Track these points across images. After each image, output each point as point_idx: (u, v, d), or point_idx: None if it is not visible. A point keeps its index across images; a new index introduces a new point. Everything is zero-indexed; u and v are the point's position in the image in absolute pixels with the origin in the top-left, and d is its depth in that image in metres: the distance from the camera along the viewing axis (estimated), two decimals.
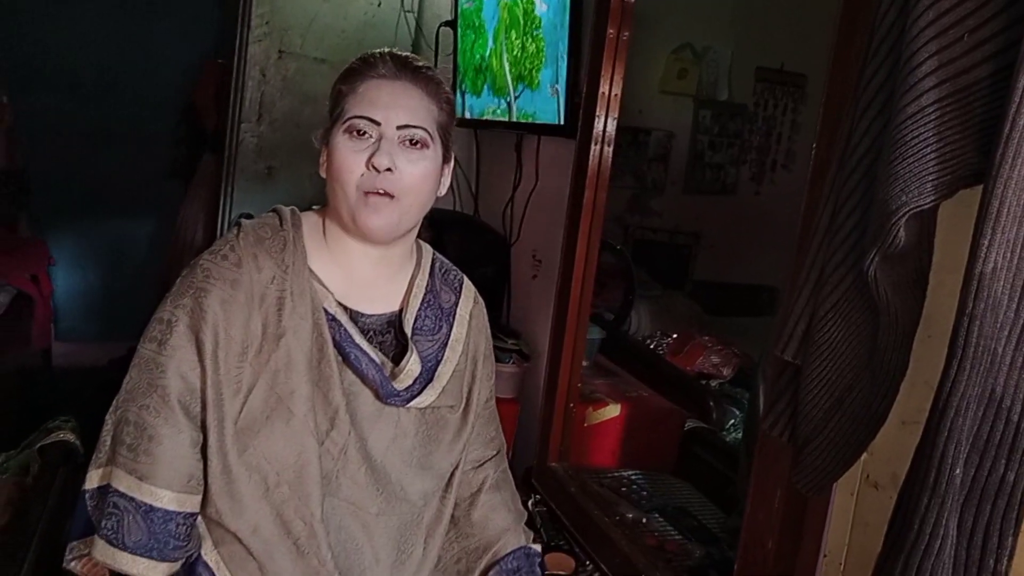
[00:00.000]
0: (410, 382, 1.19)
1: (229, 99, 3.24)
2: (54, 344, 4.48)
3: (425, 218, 1.23)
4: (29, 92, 4.24)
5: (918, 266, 0.97)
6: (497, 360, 2.40)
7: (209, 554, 1.15)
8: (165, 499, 1.10)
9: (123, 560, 1.09)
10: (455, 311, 1.29)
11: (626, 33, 1.95)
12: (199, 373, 1.11)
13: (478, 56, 2.62)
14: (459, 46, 2.76)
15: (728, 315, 3.98)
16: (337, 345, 1.15)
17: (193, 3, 4.39)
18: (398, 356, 1.21)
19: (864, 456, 1.08)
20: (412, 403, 1.20)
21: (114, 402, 1.15)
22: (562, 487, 2.07)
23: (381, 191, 1.11)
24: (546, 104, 2.23)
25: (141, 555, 1.09)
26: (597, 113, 1.98)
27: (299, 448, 1.12)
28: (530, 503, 2.05)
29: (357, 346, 1.16)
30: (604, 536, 1.85)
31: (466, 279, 1.35)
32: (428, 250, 1.31)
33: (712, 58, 4.27)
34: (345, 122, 1.13)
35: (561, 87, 2.13)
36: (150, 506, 1.09)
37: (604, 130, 2.01)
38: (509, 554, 1.29)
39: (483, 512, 1.31)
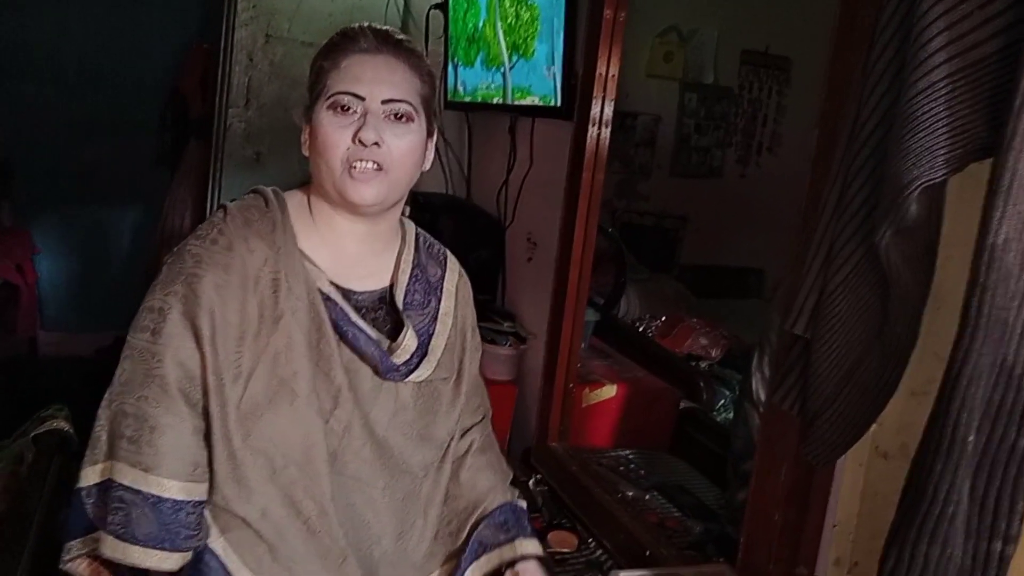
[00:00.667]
0: (407, 356, 1.20)
1: (215, 84, 3.21)
2: (40, 333, 4.45)
3: (409, 196, 1.24)
4: (12, 80, 4.18)
5: (928, 239, 0.99)
6: (493, 342, 2.44)
7: (216, 541, 1.13)
8: (173, 489, 1.09)
9: (135, 554, 1.08)
10: (442, 284, 1.31)
11: (623, 14, 1.95)
12: (198, 360, 1.10)
13: (471, 25, 2.60)
14: (451, 15, 2.74)
15: (716, 297, 4.01)
16: (334, 324, 1.15)
17: None
18: (392, 331, 1.22)
19: (874, 427, 1.10)
20: (410, 377, 1.21)
21: (106, 396, 1.13)
22: (563, 466, 2.09)
23: (369, 163, 1.12)
24: (541, 83, 2.23)
25: (153, 547, 1.08)
26: (595, 95, 1.99)
27: (305, 428, 1.13)
28: (531, 482, 2.07)
29: (354, 324, 1.17)
30: (606, 514, 1.87)
31: (449, 253, 1.37)
32: (411, 225, 1.32)
33: (698, 41, 4.28)
34: (329, 98, 1.13)
35: (557, 69, 2.13)
36: (158, 497, 1.08)
37: (601, 112, 2.01)
38: (496, 509, 1.31)
39: (470, 474, 1.33)
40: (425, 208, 2.69)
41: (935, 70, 0.90)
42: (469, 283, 1.37)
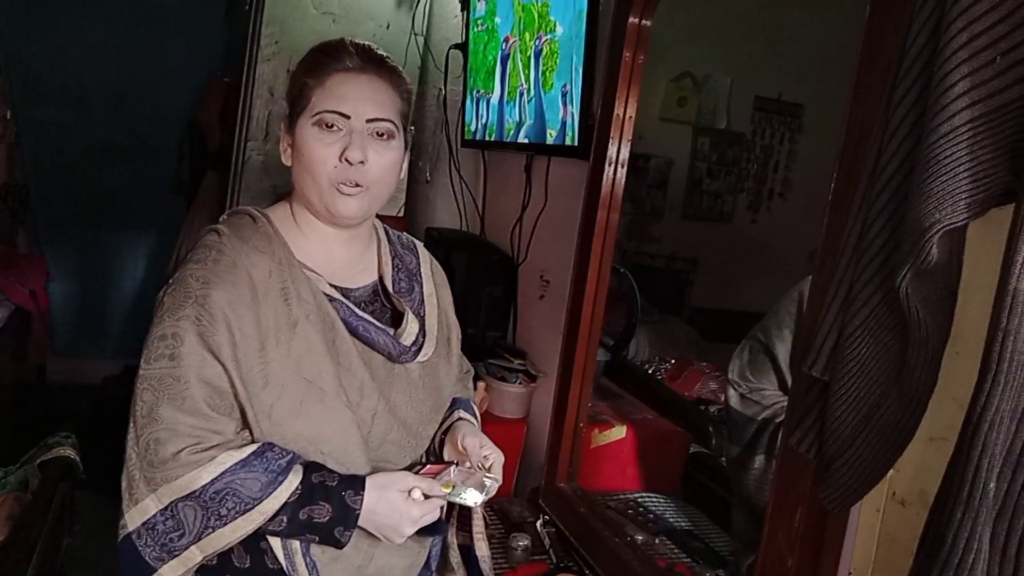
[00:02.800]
0: (413, 338, 1.29)
1: (235, 117, 3.27)
2: (50, 359, 4.46)
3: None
4: (36, 105, 4.25)
5: (948, 283, 0.98)
6: (503, 380, 2.43)
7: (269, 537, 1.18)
8: (244, 451, 1.13)
9: (268, 506, 1.11)
10: (419, 270, 1.40)
11: (641, 57, 1.97)
12: (223, 374, 1.13)
13: (491, 58, 2.64)
14: (471, 49, 2.78)
15: (726, 341, 3.98)
16: (344, 321, 1.22)
17: (202, 21, 4.42)
18: (391, 320, 1.31)
19: (891, 473, 1.09)
20: (418, 357, 1.30)
21: (130, 435, 1.14)
22: (571, 508, 2.06)
23: (353, 183, 1.18)
24: (557, 120, 2.25)
25: (273, 489, 1.11)
26: (612, 135, 2.00)
27: (338, 422, 1.19)
28: (538, 523, 2.04)
29: (362, 318, 1.24)
30: (615, 557, 1.84)
31: (417, 241, 1.46)
32: (379, 223, 1.39)
33: (711, 87, 4.32)
34: (315, 115, 1.18)
35: (575, 109, 2.15)
36: (236, 463, 1.11)
37: (618, 152, 2.02)
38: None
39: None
40: (439, 243, 2.71)
41: (957, 115, 0.91)
42: (439, 265, 1.46)
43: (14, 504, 2.42)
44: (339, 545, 1.15)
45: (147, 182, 4.53)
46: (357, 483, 1.15)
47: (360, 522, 1.15)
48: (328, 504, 1.13)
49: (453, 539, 1.42)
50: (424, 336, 1.31)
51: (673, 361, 3.20)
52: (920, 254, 0.93)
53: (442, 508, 1.30)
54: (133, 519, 1.11)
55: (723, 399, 2.23)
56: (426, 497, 1.18)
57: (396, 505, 1.14)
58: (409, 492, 1.15)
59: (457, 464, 1.28)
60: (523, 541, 1.88)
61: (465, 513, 1.40)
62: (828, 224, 1.27)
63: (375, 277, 1.33)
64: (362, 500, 1.14)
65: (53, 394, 4.41)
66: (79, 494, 3.04)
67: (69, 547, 2.88)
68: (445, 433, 1.37)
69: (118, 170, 4.48)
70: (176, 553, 1.11)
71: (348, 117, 1.18)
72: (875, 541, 1.18)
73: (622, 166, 2.05)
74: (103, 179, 4.47)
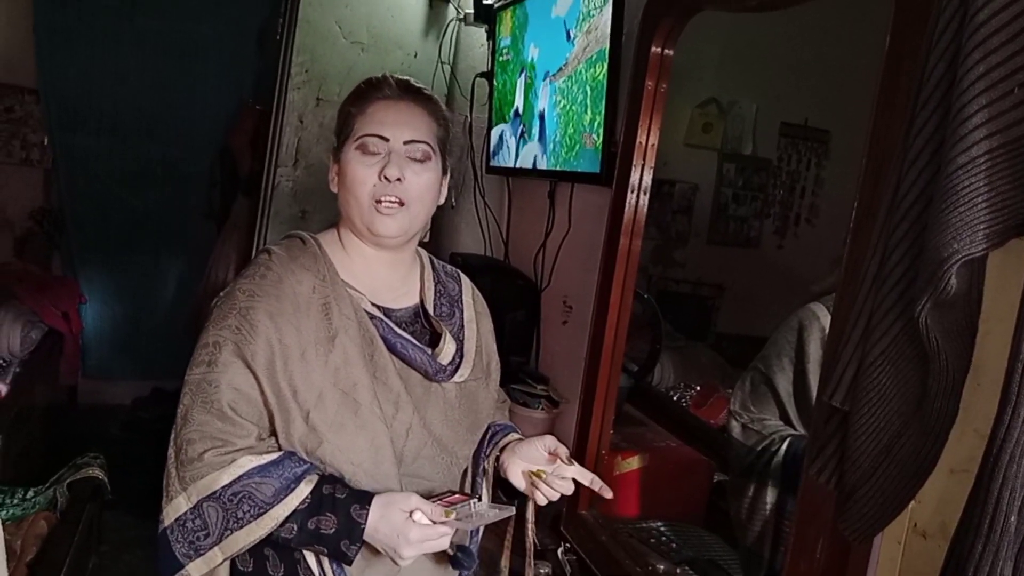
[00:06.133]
0: (449, 358, 1.33)
1: (265, 144, 3.32)
2: (81, 381, 4.53)
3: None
4: (70, 133, 4.34)
5: (968, 313, 0.98)
6: (526, 405, 2.43)
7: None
8: (265, 457, 1.17)
9: (279, 512, 1.15)
10: (461, 298, 1.44)
11: (664, 85, 1.99)
12: (254, 384, 1.18)
13: (514, 86, 2.69)
14: (496, 76, 2.82)
15: None
16: (383, 338, 1.27)
17: (234, 50, 4.50)
18: (430, 342, 1.34)
19: (912, 504, 1.08)
20: (455, 377, 1.33)
21: (172, 434, 1.21)
22: (592, 535, 2.05)
23: (393, 199, 1.24)
24: (580, 147, 2.27)
25: (285, 496, 1.15)
26: (634, 162, 2.02)
27: (371, 434, 1.22)
28: (559, 551, 2.03)
29: (400, 336, 1.28)
30: None
31: (460, 272, 1.51)
32: (424, 252, 1.45)
33: (737, 113, 4.32)
34: (357, 140, 1.26)
35: (599, 136, 2.17)
36: (254, 467, 1.16)
37: (640, 179, 2.04)
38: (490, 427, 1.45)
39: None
40: (463, 268, 2.72)
41: (975, 146, 0.91)
42: (481, 295, 1.50)
43: (43, 523, 2.45)
44: (347, 560, 1.16)
45: (179, 207, 4.61)
46: (364, 498, 1.17)
47: (366, 537, 1.16)
48: (335, 516, 1.16)
49: (506, 564, 1.45)
50: (461, 358, 1.35)
51: (698, 388, 3.18)
52: (939, 284, 0.93)
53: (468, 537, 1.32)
54: (168, 515, 1.18)
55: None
56: (434, 523, 1.18)
57: (396, 524, 1.15)
58: (411, 513, 1.16)
59: (480, 499, 1.29)
60: (544, 569, 1.87)
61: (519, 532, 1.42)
62: (849, 253, 1.27)
63: (416, 300, 1.38)
64: (367, 515, 1.15)
65: (83, 415, 4.48)
66: (107, 514, 3.08)
67: (96, 567, 2.91)
68: (502, 451, 1.39)
69: (151, 195, 4.56)
70: (201, 552, 1.16)
71: (387, 140, 1.25)
72: (896, 573, 1.17)
73: (645, 193, 2.06)
74: (136, 203, 4.56)
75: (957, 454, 1.03)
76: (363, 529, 1.15)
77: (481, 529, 1.40)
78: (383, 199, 1.24)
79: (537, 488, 1.32)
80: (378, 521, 1.16)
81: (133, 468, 3.47)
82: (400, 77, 1.32)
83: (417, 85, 1.32)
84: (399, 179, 1.24)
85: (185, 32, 4.47)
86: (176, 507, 1.17)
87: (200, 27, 4.48)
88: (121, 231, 4.58)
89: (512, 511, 1.30)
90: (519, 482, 1.35)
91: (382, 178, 1.24)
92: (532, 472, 1.32)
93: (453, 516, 1.17)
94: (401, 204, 1.25)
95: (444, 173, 1.34)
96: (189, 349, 1.24)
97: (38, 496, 2.68)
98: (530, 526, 1.39)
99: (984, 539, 0.86)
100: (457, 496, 1.25)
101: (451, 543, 1.21)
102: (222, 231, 4.12)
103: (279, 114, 3.18)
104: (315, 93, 3.17)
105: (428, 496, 1.22)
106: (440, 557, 1.31)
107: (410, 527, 1.15)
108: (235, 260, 3.85)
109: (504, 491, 1.42)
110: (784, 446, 1.86)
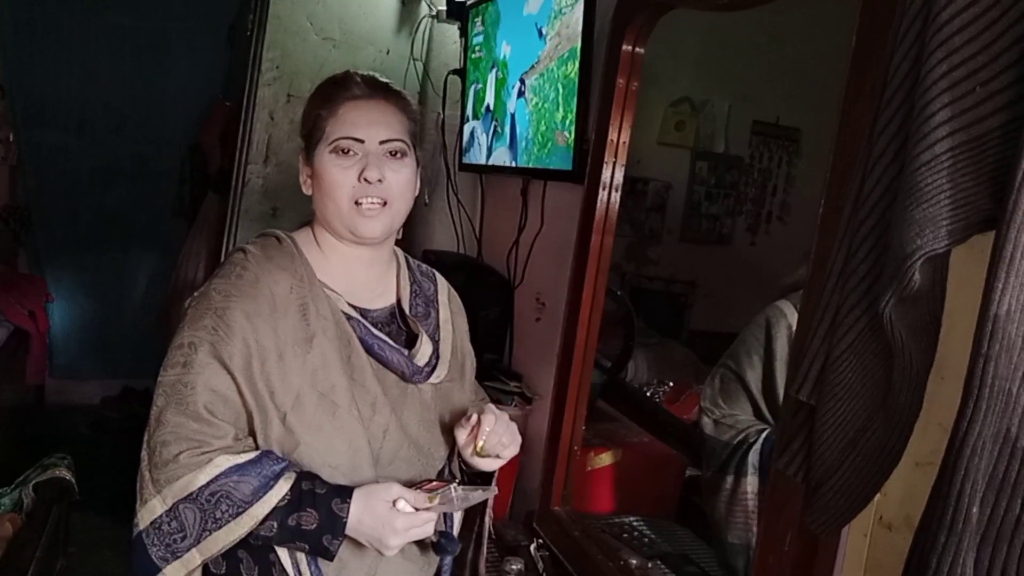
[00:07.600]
0: (426, 359, 1.32)
1: (235, 140, 3.29)
2: (48, 380, 4.46)
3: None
4: (37, 129, 4.28)
5: (931, 309, 0.99)
6: (499, 402, 2.43)
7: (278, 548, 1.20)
8: (242, 456, 1.16)
9: (258, 510, 1.14)
10: (436, 297, 1.44)
11: (635, 83, 2.00)
12: (231, 384, 1.17)
13: (487, 83, 2.68)
14: (469, 78, 2.81)
15: None
16: (360, 339, 1.26)
17: (204, 46, 4.46)
18: (406, 342, 1.34)
19: (877, 497, 1.09)
20: (431, 378, 1.33)
21: (145, 437, 1.19)
22: (565, 531, 2.06)
23: (375, 200, 1.24)
24: (555, 148, 2.27)
25: (264, 494, 1.14)
26: (606, 160, 2.02)
27: (349, 436, 1.21)
28: (532, 547, 2.04)
29: (377, 337, 1.28)
30: None
31: (435, 271, 1.51)
32: (400, 251, 1.45)
33: (709, 112, 4.35)
34: (331, 143, 1.25)
35: (571, 133, 2.17)
36: (231, 466, 1.14)
37: (612, 176, 2.05)
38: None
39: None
40: (436, 265, 2.71)
41: (938, 143, 0.92)
42: (457, 295, 1.50)
43: (8, 526, 2.42)
44: (328, 555, 1.16)
45: (148, 204, 4.55)
46: (345, 492, 1.17)
47: (348, 531, 1.16)
48: (316, 512, 1.15)
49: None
50: (437, 358, 1.35)
51: (671, 384, 3.19)
52: (903, 280, 0.94)
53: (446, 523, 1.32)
54: (143, 518, 1.16)
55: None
56: (416, 510, 1.18)
57: (380, 514, 1.15)
58: (394, 502, 1.16)
59: (458, 483, 1.29)
60: (517, 565, 1.88)
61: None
62: (816, 250, 1.28)
63: (393, 300, 1.37)
64: (348, 508, 1.15)
65: (51, 415, 4.41)
66: (75, 516, 3.04)
67: (63, 568, 2.87)
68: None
69: (119, 192, 4.50)
70: (179, 555, 1.15)
71: (362, 141, 1.25)
72: (863, 565, 1.18)
73: (616, 190, 2.06)
74: (104, 201, 4.50)
75: (921, 447, 1.04)
76: (345, 523, 1.15)
77: (460, 513, 1.40)
78: (363, 201, 1.24)
79: (490, 457, 1.30)
80: (361, 513, 1.15)
81: (102, 468, 3.44)
82: (365, 73, 1.31)
83: (383, 80, 1.32)
84: (380, 180, 1.24)
85: (154, 28, 4.41)
86: (151, 510, 1.15)
87: (170, 23, 4.43)
88: (89, 228, 4.52)
89: (494, 490, 1.31)
90: (481, 464, 1.32)
91: (361, 180, 1.23)
92: (477, 451, 1.30)
93: (436, 501, 1.18)
94: (384, 204, 1.25)
95: (418, 165, 1.34)
96: (158, 347, 1.22)
97: (3, 498, 2.64)
98: (488, 511, 1.41)
99: (947, 530, 0.87)
100: (436, 483, 1.25)
101: (434, 529, 1.21)
102: (192, 228, 4.08)
103: (249, 111, 3.15)
104: (286, 89, 3.15)
105: (408, 486, 1.21)
106: (424, 544, 1.31)
107: (395, 516, 1.15)
108: (205, 258, 3.81)
109: (480, 476, 1.40)
110: (761, 439, 1.88)
